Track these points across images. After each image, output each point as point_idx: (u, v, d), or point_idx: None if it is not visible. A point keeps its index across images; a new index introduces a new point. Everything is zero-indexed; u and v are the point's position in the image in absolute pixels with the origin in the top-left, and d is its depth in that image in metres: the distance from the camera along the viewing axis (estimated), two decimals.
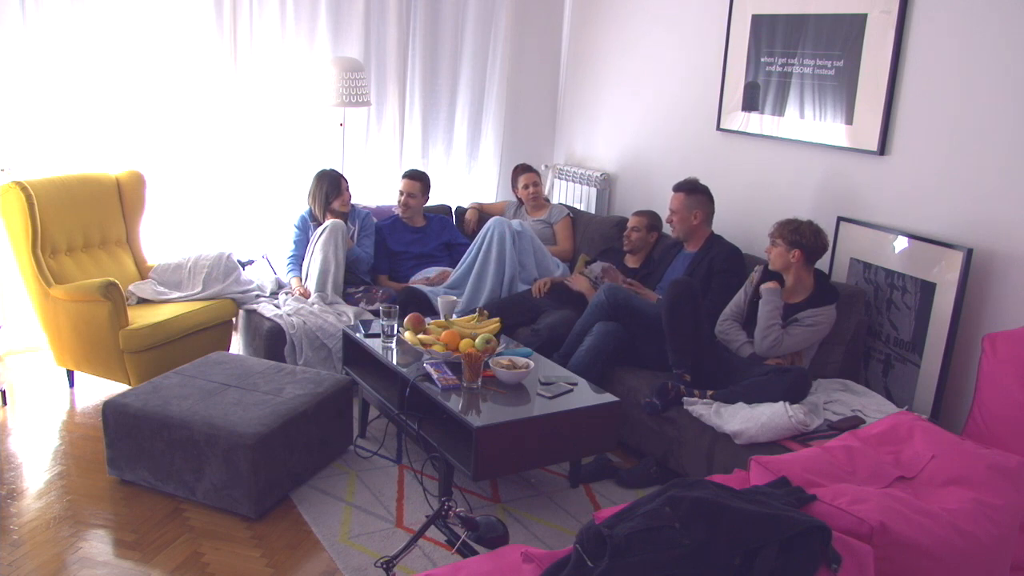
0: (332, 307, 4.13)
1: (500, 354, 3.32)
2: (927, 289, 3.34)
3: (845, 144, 3.70)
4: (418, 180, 4.64)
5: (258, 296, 4.29)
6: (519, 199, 4.98)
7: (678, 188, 3.90)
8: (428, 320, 3.54)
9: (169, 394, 3.15)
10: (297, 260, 4.39)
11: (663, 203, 4.12)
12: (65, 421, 3.74)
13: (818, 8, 3.77)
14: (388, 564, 1.96)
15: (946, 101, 3.31)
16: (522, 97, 5.51)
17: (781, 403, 2.98)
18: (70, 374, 4.06)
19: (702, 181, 3.95)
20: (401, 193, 4.62)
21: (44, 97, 4.18)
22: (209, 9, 4.46)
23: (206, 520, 2.95)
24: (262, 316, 4.05)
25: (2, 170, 4.10)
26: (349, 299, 4.26)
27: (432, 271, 4.51)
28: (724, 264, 3.76)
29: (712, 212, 3.90)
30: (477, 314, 3.65)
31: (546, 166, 5.60)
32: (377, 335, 3.57)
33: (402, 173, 4.70)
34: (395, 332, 3.51)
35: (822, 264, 3.56)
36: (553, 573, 1.59)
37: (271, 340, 3.92)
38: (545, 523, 3.03)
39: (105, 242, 4.21)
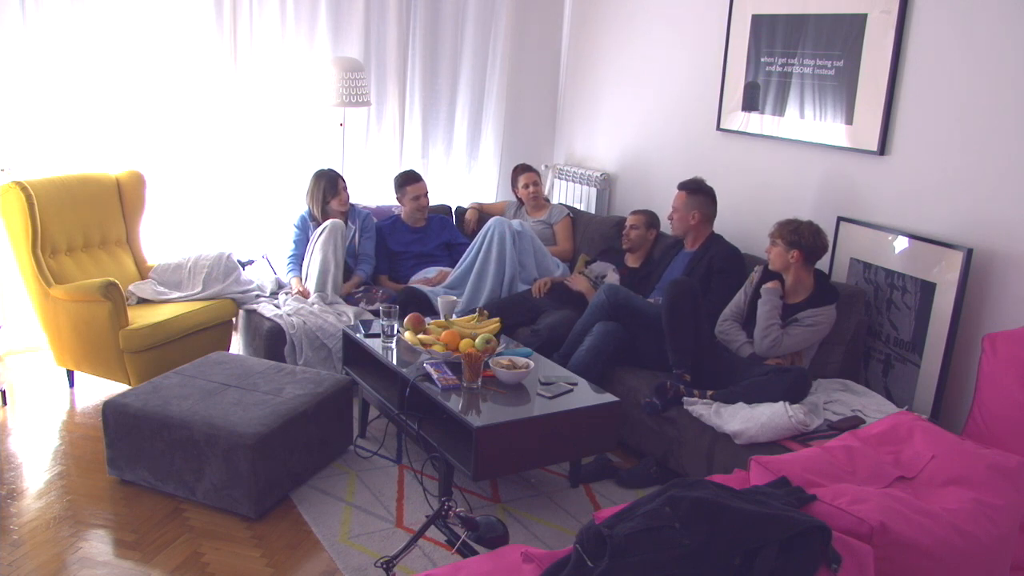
0: (332, 307, 4.13)
1: (500, 354, 3.32)
2: (927, 289, 3.34)
3: (845, 144, 3.70)
4: (423, 180, 4.64)
5: (258, 296, 4.29)
6: (519, 199, 4.98)
7: (682, 186, 3.91)
8: (428, 320, 3.54)
9: (169, 394, 3.14)
10: (297, 260, 4.38)
11: (663, 203, 4.13)
12: (65, 421, 3.74)
13: (818, 8, 3.77)
14: (388, 564, 1.96)
15: (946, 101, 3.31)
16: (522, 97, 5.51)
17: (781, 403, 2.98)
18: (70, 374, 4.06)
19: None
20: (416, 198, 4.59)
21: (44, 97, 4.18)
22: (209, 9, 4.46)
23: (206, 520, 2.95)
24: (262, 316, 4.05)
25: (2, 170, 4.10)
26: (349, 299, 4.26)
27: (431, 271, 4.51)
28: (723, 264, 3.76)
29: (712, 213, 3.89)
30: (477, 314, 3.65)
31: (546, 166, 5.60)
32: (377, 335, 3.57)
33: (401, 180, 4.63)
34: (395, 332, 3.51)
35: (822, 264, 3.56)
36: (553, 573, 1.59)
37: (271, 340, 3.92)
38: (545, 523, 3.03)
39: (105, 242, 4.21)
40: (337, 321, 3.99)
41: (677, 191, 3.91)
